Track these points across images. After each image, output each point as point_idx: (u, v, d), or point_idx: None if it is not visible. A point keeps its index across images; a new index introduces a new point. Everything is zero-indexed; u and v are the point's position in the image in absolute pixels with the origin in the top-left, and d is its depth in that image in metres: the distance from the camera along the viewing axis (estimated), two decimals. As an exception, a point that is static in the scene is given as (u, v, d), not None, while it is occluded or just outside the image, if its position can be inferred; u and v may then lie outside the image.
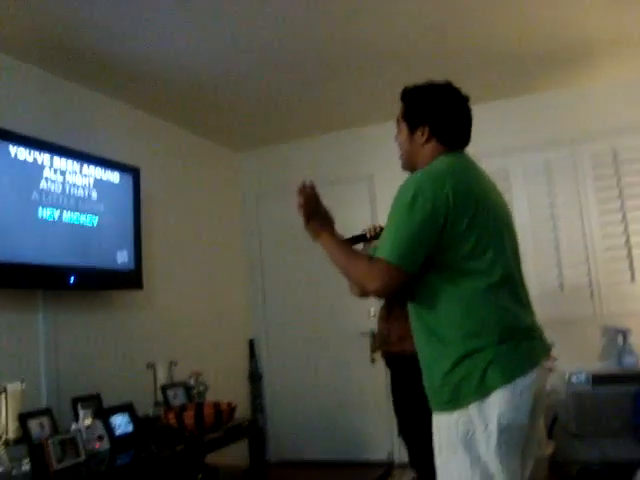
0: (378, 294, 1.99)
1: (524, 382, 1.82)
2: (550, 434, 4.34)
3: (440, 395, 1.89)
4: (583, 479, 3.95)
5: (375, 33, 3.62)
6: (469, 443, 1.82)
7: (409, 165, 2.14)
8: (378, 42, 3.75)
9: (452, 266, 1.88)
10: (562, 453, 4.37)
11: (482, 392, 1.80)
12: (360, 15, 3.39)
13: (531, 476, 1.91)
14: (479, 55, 4.01)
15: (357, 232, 2.81)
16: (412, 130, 2.07)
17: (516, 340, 1.86)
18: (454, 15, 3.47)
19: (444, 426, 1.88)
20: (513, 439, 1.81)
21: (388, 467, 4.93)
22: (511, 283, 1.93)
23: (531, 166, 4.80)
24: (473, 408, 1.81)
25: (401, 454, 4.90)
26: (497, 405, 1.79)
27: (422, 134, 2.05)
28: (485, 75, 4.32)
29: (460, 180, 1.91)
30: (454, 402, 1.84)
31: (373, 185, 5.26)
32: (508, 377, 1.81)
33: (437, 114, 2.04)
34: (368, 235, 2.77)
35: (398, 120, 2.15)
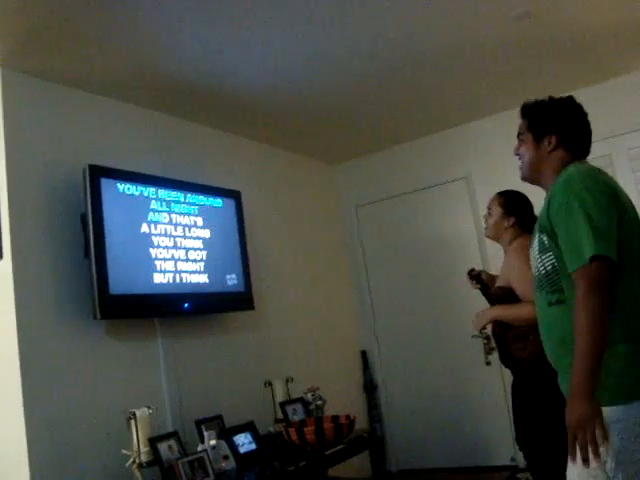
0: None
1: None
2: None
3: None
4: None
5: (467, 31, 3.57)
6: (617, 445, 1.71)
7: (532, 174, 2.18)
8: (472, 40, 3.69)
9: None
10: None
11: (626, 396, 1.73)
12: (445, 14, 3.36)
13: None
14: (571, 40, 3.85)
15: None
16: (538, 140, 2.13)
17: None
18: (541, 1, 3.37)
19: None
20: None
21: (513, 471, 4.81)
22: None
23: (636, 149, 4.60)
24: (635, 406, 1.73)
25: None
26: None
27: (549, 143, 2.10)
28: (579, 59, 4.15)
29: (609, 180, 1.97)
30: (615, 395, 1.74)
31: (472, 183, 5.17)
32: None
33: (564, 123, 2.11)
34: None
35: (521, 133, 2.21)
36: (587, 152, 2.14)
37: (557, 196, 1.92)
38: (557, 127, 2.09)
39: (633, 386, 1.74)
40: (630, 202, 1.97)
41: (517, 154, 2.23)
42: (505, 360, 3.11)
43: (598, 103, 4.46)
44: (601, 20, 3.64)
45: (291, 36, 3.37)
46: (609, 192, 1.87)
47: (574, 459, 1.73)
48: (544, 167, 2.11)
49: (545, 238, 1.95)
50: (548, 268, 1.95)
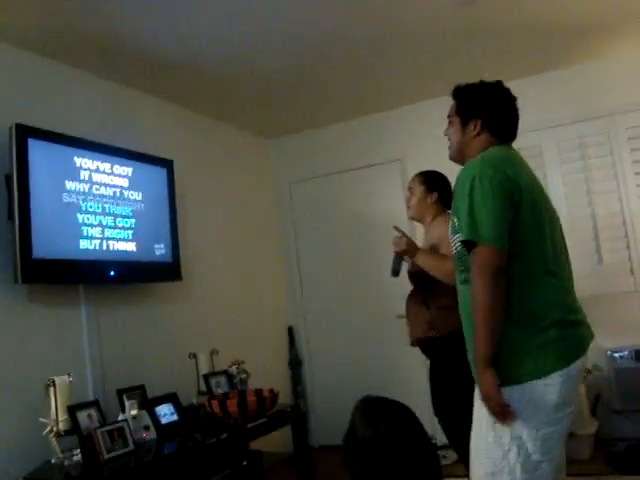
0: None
1: (576, 367, 1.88)
2: (594, 412, 4.31)
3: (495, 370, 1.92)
4: (631, 456, 3.91)
5: (403, 14, 3.58)
6: (514, 419, 1.86)
7: (458, 155, 2.25)
8: (407, 23, 3.70)
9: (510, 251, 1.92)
10: (606, 431, 4.34)
11: (540, 373, 1.85)
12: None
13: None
14: (510, 31, 3.91)
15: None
16: (465, 123, 2.19)
17: (570, 325, 1.92)
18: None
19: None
20: (561, 423, 1.87)
21: (431, 449, 4.92)
22: (557, 268, 1.99)
23: (565, 141, 4.74)
24: (527, 386, 1.86)
25: (443, 435, 4.90)
26: (552, 387, 1.84)
27: (474, 127, 2.16)
28: (515, 51, 4.22)
29: (513, 167, 2.02)
30: (509, 378, 1.87)
31: (405, 168, 5.22)
32: (566, 361, 1.86)
33: (489, 108, 2.17)
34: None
35: (450, 115, 2.27)
36: (513, 136, 2.20)
37: (459, 179, 2.02)
38: (482, 111, 2.16)
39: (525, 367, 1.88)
40: (538, 189, 2.06)
41: (446, 134, 2.30)
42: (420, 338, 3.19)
43: (532, 94, 4.58)
44: (539, 11, 3.72)
45: (234, 9, 3.31)
46: (504, 181, 1.93)
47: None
48: (469, 150, 2.17)
49: (455, 219, 2.04)
50: (458, 248, 2.05)
